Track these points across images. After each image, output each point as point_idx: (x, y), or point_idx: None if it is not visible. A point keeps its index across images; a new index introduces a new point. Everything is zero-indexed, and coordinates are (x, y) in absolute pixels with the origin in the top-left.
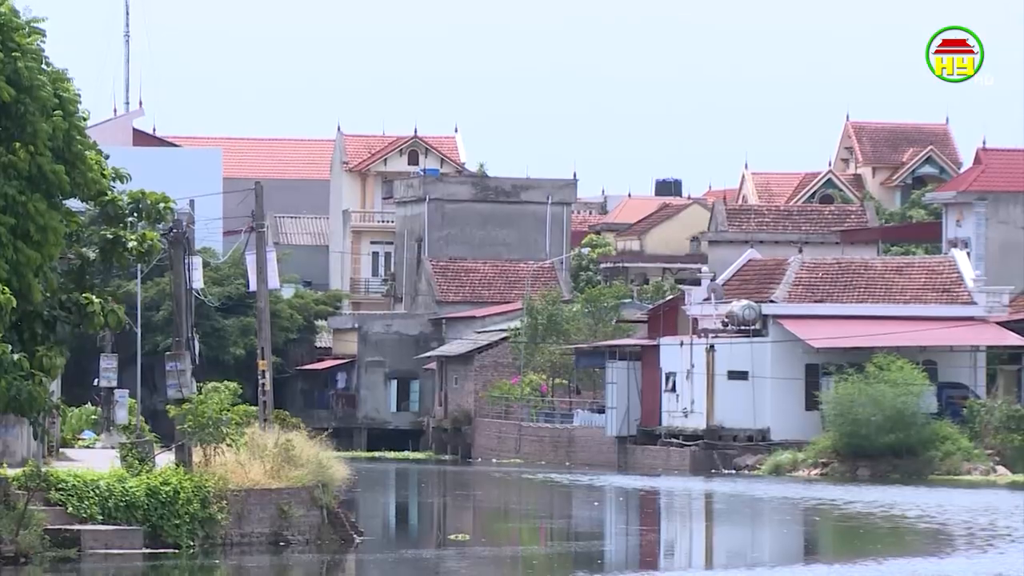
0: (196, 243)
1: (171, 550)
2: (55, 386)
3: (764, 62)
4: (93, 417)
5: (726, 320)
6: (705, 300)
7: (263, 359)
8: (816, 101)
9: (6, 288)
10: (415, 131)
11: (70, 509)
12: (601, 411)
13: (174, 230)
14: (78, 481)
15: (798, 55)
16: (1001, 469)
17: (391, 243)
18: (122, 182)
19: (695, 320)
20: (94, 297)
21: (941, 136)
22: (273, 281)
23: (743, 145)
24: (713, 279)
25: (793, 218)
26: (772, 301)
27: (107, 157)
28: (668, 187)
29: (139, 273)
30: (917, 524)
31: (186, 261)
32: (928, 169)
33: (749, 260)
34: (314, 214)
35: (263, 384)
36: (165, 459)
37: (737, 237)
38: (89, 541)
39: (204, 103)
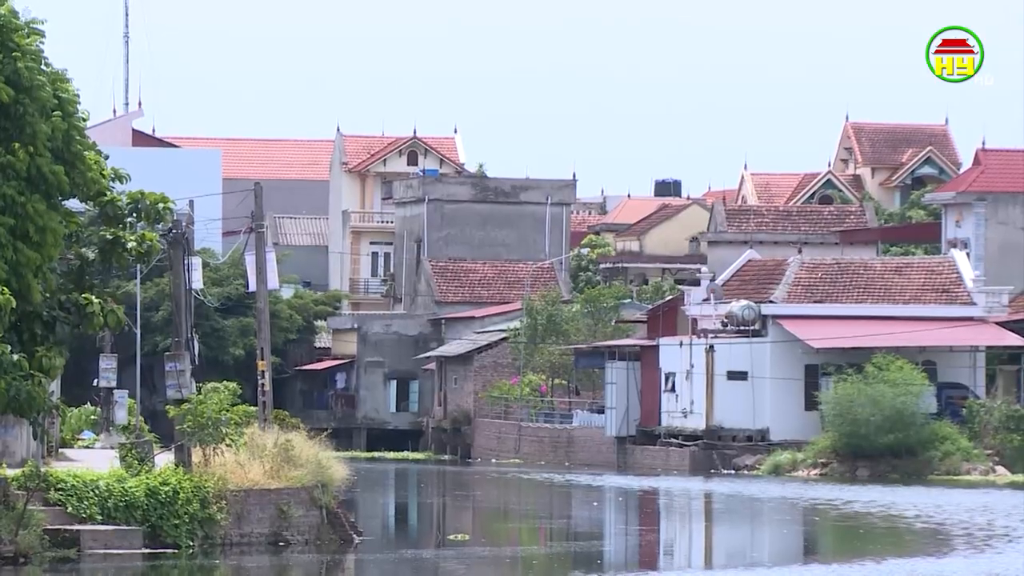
0: (195, 243)
1: (170, 550)
2: (55, 386)
3: (763, 63)
4: (92, 417)
5: (725, 320)
6: (704, 300)
7: (262, 359)
8: (815, 102)
9: (5, 289)
10: (414, 132)
11: (69, 509)
12: (600, 411)
13: (173, 230)
14: (77, 481)
15: (797, 56)
16: (1000, 469)
17: (390, 243)
18: (121, 182)
19: (694, 320)
20: (93, 297)
21: (940, 137)
22: (272, 281)
23: (742, 146)
24: (712, 279)
25: (792, 218)
26: (771, 301)
27: (106, 157)
28: (667, 188)
29: (138, 273)
30: (915, 524)
31: (185, 261)
32: (927, 170)
33: (748, 260)
34: (313, 215)
35: (262, 384)
36: (164, 459)
37: (736, 237)
38: (88, 541)
39: (203, 104)
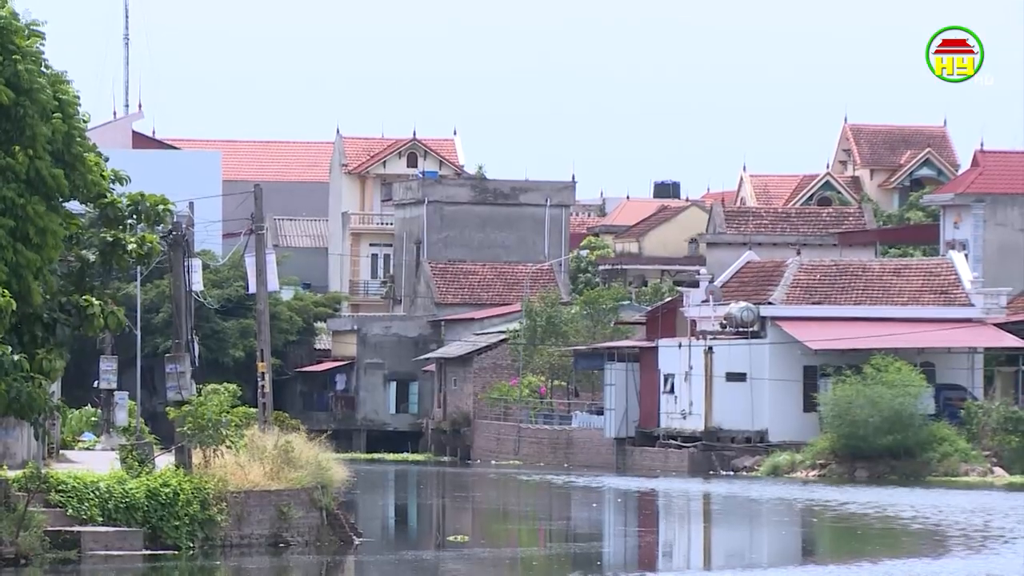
0: (195, 245)
1: (171, 551)
2: (55, 388)
3: (762, 64)
4: (93, 419)
5: (724, 322)
6: (703, 302)
7: (262, 361)
8: (814, 103)
9: (6, 291)
10: (414, 134)
11: (70, 511)
12: (600, 413)
13: (174, 232)
14: (78, 483)
15: (796, 57)
16: (998, 470)
17: (390, 245)
18: (122, 184)
19: (693, 322)
20: (94, 299)
21: (939, 138)
22: (272, 283)
23: (741, 147)
24: (711, 281)
25: (791, 220)
26: (770, 303)
27: (107, 159)
28: (666, 189)
29: (139, 275)
30: (912, 525)
31: (185, 263)
32: (926, 171)
33: (747, 262)
34: (313, 216)
35: (262, 386)
36: (165, 461)
37: (735, 239)
38: (89, 543)
39: (203, 106)
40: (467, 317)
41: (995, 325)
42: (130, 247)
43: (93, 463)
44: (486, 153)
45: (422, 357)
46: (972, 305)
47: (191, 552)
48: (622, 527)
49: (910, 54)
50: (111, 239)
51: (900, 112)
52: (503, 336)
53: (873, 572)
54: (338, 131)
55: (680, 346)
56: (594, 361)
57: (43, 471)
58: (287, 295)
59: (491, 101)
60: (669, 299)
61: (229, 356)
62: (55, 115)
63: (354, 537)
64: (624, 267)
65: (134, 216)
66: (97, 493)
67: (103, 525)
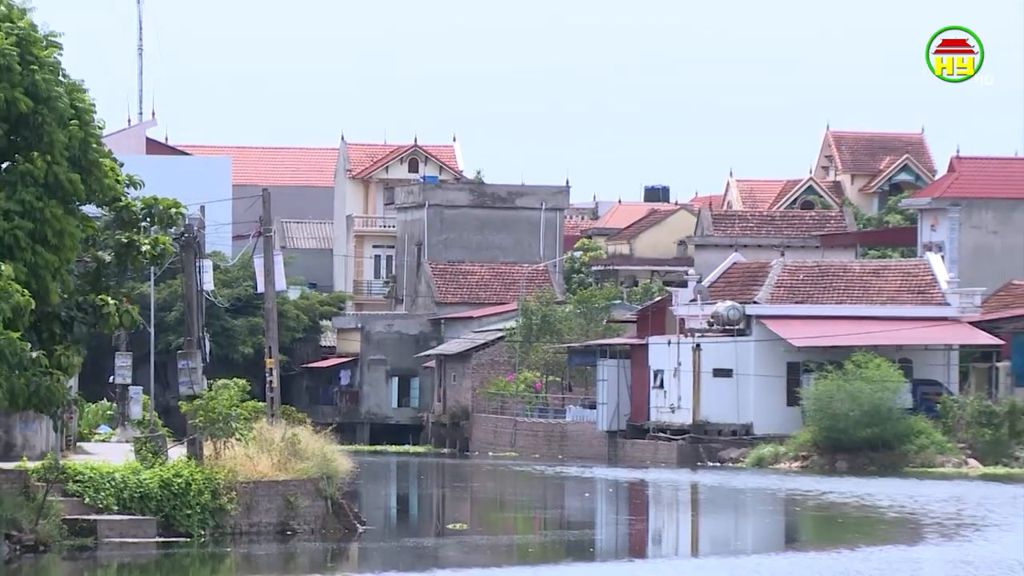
0: (206, 247)
1: (183, 539)
2: (72, 383)
3: (748, 75)
4: (109, 412)
5: (711, 320)
6: (691, 301)
7: (270, 357)
8: (798, 111)
9: (25, 290)
10: (415, 140)
11: (87, 500)
12: (592, 407)
13: (185, 234)
14: (94, 473)
15: (780, 67)
16: (972, 462)
17: (392, 247)
18: (136, 188)
19: (682, 320)
20: (109, 298)
21: (917, 145)
22: (280, 283)
23: (728, 154)
24: (699, 281)
25: (775, 223)
26: (755, 302)
27: (122, 165)
28: (656, 193)
29: (152, 275)
30: (888, 514)
31: (197, 264)
32: (904, 176)
33: (733, 263)
34: (319, 219)
35: (270, 381)
36: (177, 452)
37: (722, 241)
38: (105, 530)
39: (214, 114)
40: (466, 316)
41: (970, 323)
42: (144, 248)
43: (109, 454)
44: (484, 158)
45: (423, 354)
46: (948, 304)
47: (202, 539)
48: (613, 516)
49: (896, 58)
50: (126, 241)
51: (881, 120)
52: (500, 334)
53: (851, 558)
54: (343, 138)
55: (669, 343)
56: (587, 358)
57: (61, 462)
58: (294, 294)
59: (488, 107)
60: (659, 298)
61: (238, 352)
62: (72, 122)
63: (358, 525)
64: (616, 268)
65: (148, 219)
66: (113, 483)
67: (118, 514)
